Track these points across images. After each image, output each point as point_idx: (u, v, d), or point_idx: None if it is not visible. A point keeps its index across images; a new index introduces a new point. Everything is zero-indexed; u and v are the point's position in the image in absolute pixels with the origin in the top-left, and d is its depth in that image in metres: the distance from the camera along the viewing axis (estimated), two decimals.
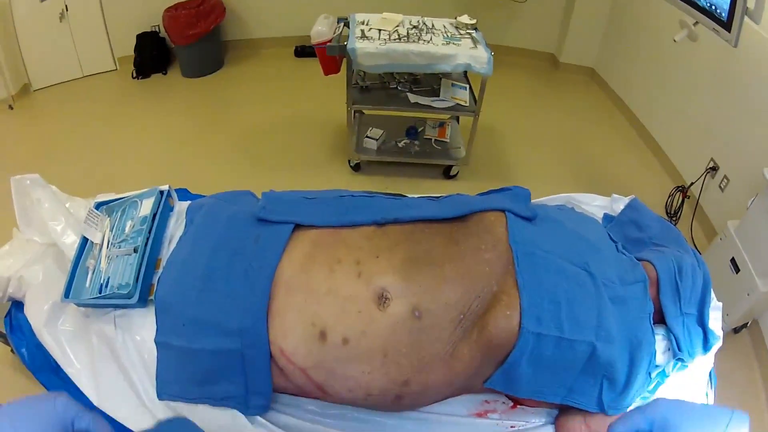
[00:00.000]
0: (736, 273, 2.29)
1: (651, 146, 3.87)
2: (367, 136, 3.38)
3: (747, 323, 2.45)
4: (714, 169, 3.03)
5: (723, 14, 2.20)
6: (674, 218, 3.18)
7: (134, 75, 4.55)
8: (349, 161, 3.50)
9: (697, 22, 2.47)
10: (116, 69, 4.65)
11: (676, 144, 3.60)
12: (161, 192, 1.57)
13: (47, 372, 1.41)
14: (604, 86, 4.68)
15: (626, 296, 1.22)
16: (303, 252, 1.20)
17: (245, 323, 1.13)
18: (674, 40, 2.69)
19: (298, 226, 1.28)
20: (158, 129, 3.91)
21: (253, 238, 1.26)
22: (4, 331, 1.51)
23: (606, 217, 1.69)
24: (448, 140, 3.46)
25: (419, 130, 3.51)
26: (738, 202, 2.71)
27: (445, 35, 2.94)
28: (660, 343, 1.25)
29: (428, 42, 2.83)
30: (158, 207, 1.51)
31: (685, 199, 3.21)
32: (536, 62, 5.16)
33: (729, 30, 2.19)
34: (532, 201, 1.55)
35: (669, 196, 3.28)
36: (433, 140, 3.46)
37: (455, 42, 2.86)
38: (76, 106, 4.13)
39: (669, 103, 3.68)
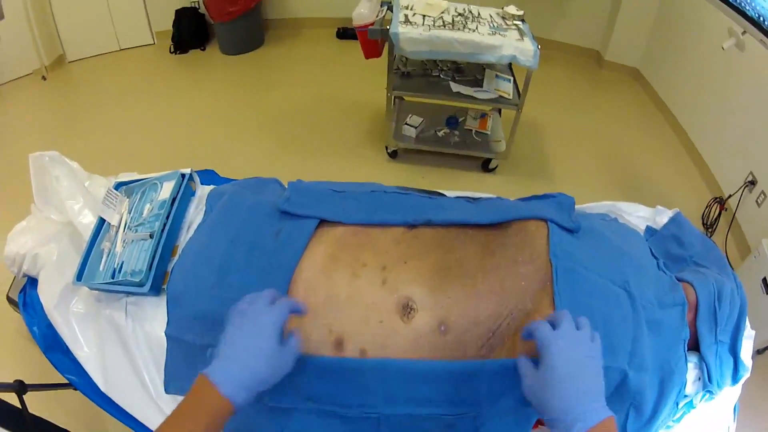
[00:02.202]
0: (767, 293, 2.22)
1: (691, 153, 3.73)
2: (406, 123, 3.30)
3: None
4: (752, 183, 2.92)
5: None
6: (710, 230, 3.06)
7: (172, 50, 4.53)
8: (386, 148, 3.43)
9: (745, 32, 2.37)
10: (154, 43, 4.64)
11: (717, 153, 3.45)
12: (183, 175, 1.50)
13: (58, 353, 1.37)
14: (648, 88, 4.51)
15: (663, 320, 1.13)
16: (326, 252, 1.11)
17: None
18: (722, 48, 2.58)
19: (323, 222, 1.19)
20: (193, 106, 3.89)
21: (274, 232, 1.18)
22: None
23: (648, 229, 1.58)
24: (489, 132, 3.35)
25: (460, 120, 3.41)
26: None
27: (491, 25, 2.83)
28: (691, 372, 1.17)
29: (473, 31, 2.74)
30: (178, 191, 1.44)
31: (722, 212, 3.09)
32: (580, 59, 5.00)
33: None
34: (576, 206, 1.46)
35: (706, 207, 3.15)
36: (473, 132, 3.36)
37: (501, 33, 2.76)
38: (111, 80, 4.13)
39: (712, 111, 3.54)
